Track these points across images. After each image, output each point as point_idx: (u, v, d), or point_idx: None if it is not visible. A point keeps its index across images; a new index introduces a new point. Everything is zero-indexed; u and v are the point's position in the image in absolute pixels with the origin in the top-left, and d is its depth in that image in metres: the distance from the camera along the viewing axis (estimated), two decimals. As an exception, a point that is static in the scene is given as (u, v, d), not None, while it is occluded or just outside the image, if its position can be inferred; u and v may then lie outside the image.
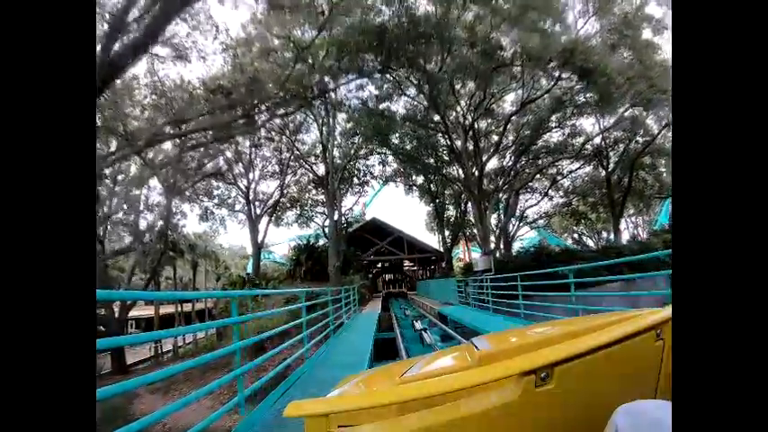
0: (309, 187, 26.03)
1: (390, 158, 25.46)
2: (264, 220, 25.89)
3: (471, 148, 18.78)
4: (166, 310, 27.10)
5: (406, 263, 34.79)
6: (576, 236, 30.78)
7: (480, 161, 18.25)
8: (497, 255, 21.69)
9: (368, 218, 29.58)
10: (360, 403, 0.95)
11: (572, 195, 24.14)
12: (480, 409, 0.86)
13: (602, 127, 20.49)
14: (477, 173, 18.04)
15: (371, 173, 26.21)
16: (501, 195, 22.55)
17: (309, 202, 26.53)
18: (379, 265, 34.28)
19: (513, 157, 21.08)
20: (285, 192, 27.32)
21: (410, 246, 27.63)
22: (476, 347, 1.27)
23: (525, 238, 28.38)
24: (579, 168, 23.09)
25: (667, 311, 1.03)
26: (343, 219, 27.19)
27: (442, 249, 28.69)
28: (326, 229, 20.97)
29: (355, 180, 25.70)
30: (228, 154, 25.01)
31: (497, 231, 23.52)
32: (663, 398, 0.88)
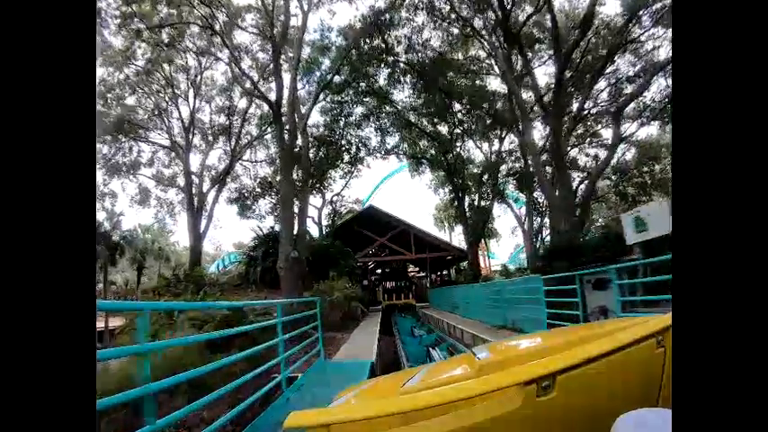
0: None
1: (389, 124, 21.19)
2: (221, 207, 18.12)
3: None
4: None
5: (411, 266, 30.34)
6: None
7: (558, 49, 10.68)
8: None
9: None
10: (361, 414, 0.98)
11: (620, 174, 19.78)
12: (481, 420, 0.90)
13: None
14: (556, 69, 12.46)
15: (366, 145, 21.60)
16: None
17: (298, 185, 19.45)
18: (379, 270, 29.90)
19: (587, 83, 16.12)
20: (255, 173, 23.07)
21: (419, 243, 22.89)
22: (477, 357, 1.27)
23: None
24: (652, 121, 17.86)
25: (669, 318, 1.05)
26: (329, 207, 23.61)
27: (460, 246, 24.10)
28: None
29: (346, 157, 21.31)
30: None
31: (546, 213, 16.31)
32: (665, 406, 0.88)
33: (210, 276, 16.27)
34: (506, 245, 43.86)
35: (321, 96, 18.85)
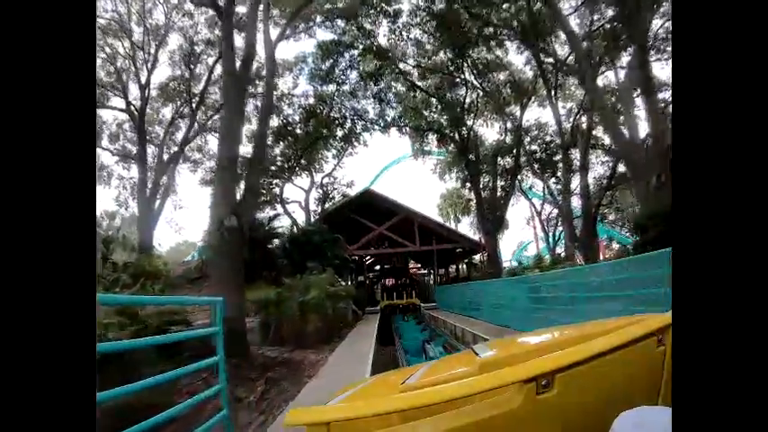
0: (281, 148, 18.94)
1: (392, 96, 18.84)
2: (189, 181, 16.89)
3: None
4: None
5: (413, 262, 27.66)
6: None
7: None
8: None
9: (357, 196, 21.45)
10: (361, 411, 0.97)
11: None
12: (482, 417, 0.90)
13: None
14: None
15: (362, 117, 18.73)
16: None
17: (280, 163, 19.00)
18: (378, 267, 27.27)
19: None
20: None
21: (423, 233, 19.87)
22: (477, 355, 1.27)
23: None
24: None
25: (669, 317, 1.05)
26: (319, 191, 20.38)
27: (476, 238, 21.36)
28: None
29: (339, 132, 18.84)
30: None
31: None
32: (665, 404, 0.92)
33: (160, 268, 13.12)
34: (508, 242, 40.44)
35: (311, 60, 16.03)
